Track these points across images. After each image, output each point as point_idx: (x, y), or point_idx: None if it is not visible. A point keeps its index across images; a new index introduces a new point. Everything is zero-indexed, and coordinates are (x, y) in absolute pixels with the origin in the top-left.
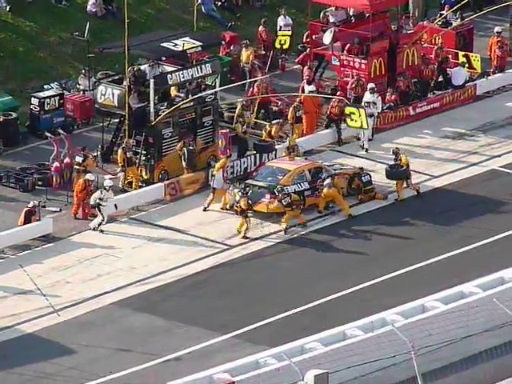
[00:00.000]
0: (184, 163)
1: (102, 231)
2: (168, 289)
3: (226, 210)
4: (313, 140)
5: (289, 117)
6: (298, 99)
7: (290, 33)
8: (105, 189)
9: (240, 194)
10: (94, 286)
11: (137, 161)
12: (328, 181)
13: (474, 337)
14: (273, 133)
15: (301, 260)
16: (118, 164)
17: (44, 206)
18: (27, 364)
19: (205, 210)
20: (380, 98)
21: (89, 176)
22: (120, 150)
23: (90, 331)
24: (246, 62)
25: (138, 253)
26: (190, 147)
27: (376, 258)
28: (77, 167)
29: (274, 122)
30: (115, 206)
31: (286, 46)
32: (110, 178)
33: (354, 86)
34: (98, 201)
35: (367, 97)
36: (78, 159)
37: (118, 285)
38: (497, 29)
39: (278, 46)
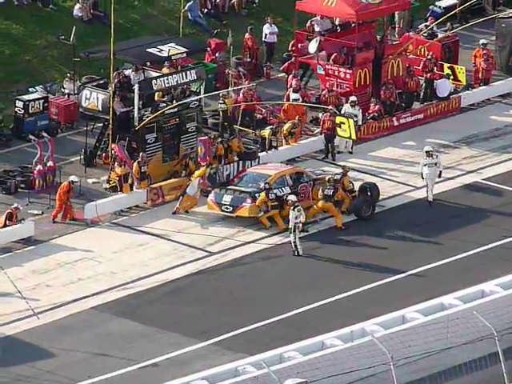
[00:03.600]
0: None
1: None
2: (148, 294)
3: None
4: (296, 149)
5: (284, 130)
6: (297, 117)
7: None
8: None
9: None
10: (75, 289)
11: (150, 176)
12: (327, 192)
13: (454, 349)
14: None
15: (281, 268)
16: (134, 177)
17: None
18: (5, 367)
19: (174, 213)
20: (361, 110)
21: (73, 178)
22: (135, 164)
23: (70, 335)
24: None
25: (119, 258)
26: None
27: (356, 268)
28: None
29: (267, 128)
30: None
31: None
32: (93, 182)
33: (326, 96)
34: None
35: (348, 109)
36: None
37: (98, 289)
38: (482, 41)
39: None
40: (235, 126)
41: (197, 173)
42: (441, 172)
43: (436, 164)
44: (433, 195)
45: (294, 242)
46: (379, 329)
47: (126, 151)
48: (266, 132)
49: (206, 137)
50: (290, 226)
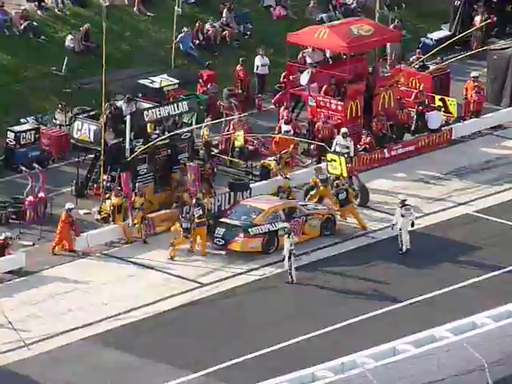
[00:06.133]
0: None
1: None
2: (139, 326)
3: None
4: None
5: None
6: (291, 146)
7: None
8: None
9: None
10: (65, 320)
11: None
12: (341, 197)
13: (445, 381)
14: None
15: (272, 299)
16: (129, 211)
17: (19, 238)
18: None
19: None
20: (352, 142)
21: (68, 205)
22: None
23: (60, 366)
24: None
25: (110, 289)
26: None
27: (348, 299)
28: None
29: (270, 159)
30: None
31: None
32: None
33: (321, 128)
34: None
35: (340, 141)
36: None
37: (88, 320)
38: (473, 73)
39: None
40: (224, 157)
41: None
42: (413, 223)
43: (411, 213)
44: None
45: (290, 270)
46: (370, 360)
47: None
48: (272, 163)
49: (195, 164)
50: (284, 254)
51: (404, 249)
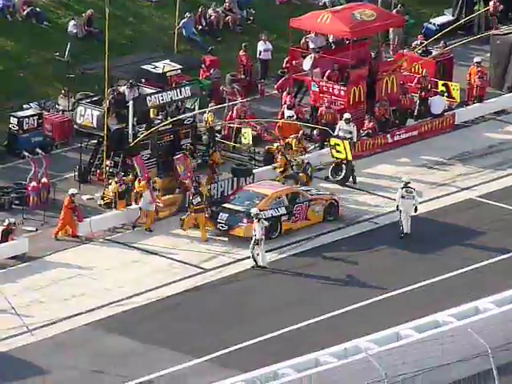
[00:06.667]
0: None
1: None
2: (142, 311)
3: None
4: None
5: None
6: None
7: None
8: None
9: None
10: (68, 306)
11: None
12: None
13: (448, 366)
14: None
15: (274, 285)
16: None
17: (23, 223)
18: None
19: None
20: (355, 127)
21: (72, 190)
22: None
23: (64, 352)
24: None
25: (113, 274)
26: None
27: (350, 284)
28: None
29: (275, 144)
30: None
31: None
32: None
33: (324, 113)
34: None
35: (343, 126)
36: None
37: (92, 306)
38: (476, 59)
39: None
40: (228, 142)
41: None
42: (416, 208)
43: (413, 197)
44: (409, 227)
45: (253, 255)
46: (373, 346)
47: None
48: (273, 147)
49: (181, 154)
50: (257, 238)
51: (405, 230)
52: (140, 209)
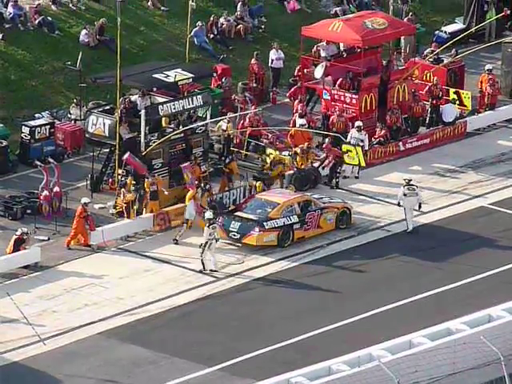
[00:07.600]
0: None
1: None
2: (155, 320)
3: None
4: None
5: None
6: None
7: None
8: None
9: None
10: (81, 315)
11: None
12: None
13: (461, 374)
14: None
15: (287, 294)
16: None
17: (35, 232)
18: None
19: (176, 242)
20: (367, 135)
21: (84, 199)
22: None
23: (76, 361)
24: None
25: (126, 283)
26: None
27: (363, 293)
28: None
29: (284, 153)
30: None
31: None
32: (100, 208)
33: (335, 121)
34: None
35: (354, 134)
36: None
37: (104, 315)
38: (488, 66)
39: None
40: (242, 151)
41: (187, 196)
42: (421, 204)
43: (416, 194)
44: (413, 224)
45: (202, 259)
46: (386, 354)
47: (136, 158)
48: (286, 158)
49: (188, 163)
50: (204, 242)
51: (410, 227)
52: (186, 220)
